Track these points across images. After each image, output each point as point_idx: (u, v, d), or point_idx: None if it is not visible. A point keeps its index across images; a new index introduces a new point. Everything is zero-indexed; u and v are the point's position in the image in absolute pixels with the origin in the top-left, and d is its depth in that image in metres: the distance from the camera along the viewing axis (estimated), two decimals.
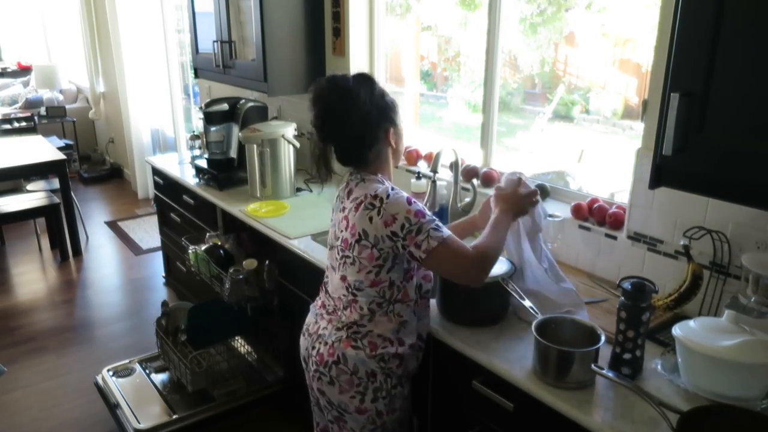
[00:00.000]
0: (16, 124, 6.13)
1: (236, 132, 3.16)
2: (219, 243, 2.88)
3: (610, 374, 1.40)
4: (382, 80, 3.12)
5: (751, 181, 1.23)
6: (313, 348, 1.73)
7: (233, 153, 3.21)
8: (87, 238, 5.08)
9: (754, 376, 1.32)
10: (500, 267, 1.77)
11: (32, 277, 4.44)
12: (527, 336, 1.67)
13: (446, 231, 1.57)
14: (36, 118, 6.35)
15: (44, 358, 3.37)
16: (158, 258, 4.41)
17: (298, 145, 2.97)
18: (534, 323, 1.53)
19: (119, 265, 4.65)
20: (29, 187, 5.19)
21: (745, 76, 1.19)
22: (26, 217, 4.74)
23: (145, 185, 5.94)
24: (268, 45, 2.95)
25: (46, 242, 4.94)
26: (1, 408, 2.96)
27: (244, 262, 2.67)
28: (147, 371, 2.84)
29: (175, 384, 2.73)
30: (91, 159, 7.09)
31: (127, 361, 2.92)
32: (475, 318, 1.75)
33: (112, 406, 2.64)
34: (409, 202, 1.57)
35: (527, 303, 1.68)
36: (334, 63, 3.10)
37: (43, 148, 4.90)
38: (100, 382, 2.80)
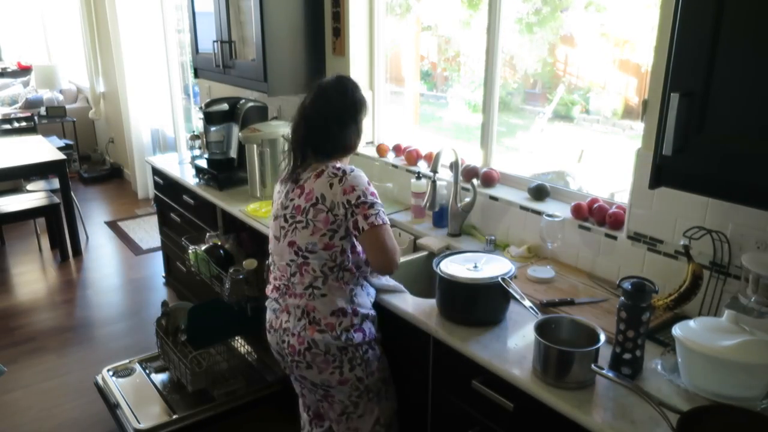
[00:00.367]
0: (16, 124, 6.13)
1: (236, 132, 3.16)
2: (219, 243, 2.88)
3: (610, 374, 1.40)
4: (383, 80, 3.13)
5: (751, 181, 1.23)
6: (283, 342, 1.84)
7: (233, 153, 3.21)
8: (87, 238, 5.08)
9: (754, 376, 1.32)
10: (500, 267, 1.78)
11: (32, 277, 4.44)
12: (527, 336, 1.67)
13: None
14: (36, 118, 6.36)
15: (44, 358, 3.37)
16: (158, 258, 4.41)
17: None
18: (534, 323, 1.53)
19: (119, 265, 4.65)
20: (29, 187, 5.19)
21: (745, 76, 1.19)
22: (26, 217, 4.74)
23: (145, 185, 5.94)
24: (268, 45, 2.95)
25: (46, 242, 4.94)
26: (1, 408, 2.96)
27: (244, 262, 2.67)
28: (147, 371, 2.84)
29: (175, 384, 2.73)
30: (91, 159, 7.09)
31: (127, 361, 2.92)
32: (475, 318, 1.75)
33: (112, 406, 2.64)
34: (368, 183, 1.75)
35: (527, 303, 1.68)
36: (334, 63, 3.10)
37: (43, 148, 4.90)
38: (100, 382, 2.80)
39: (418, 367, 1.88)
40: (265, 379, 2.78)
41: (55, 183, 4.89)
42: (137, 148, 5.96)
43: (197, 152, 3.59)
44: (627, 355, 1.47)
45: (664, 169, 1.36)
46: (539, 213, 2.17)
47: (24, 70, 8.00)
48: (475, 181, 2.45)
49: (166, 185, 3.63)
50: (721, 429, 1.24)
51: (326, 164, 1.78)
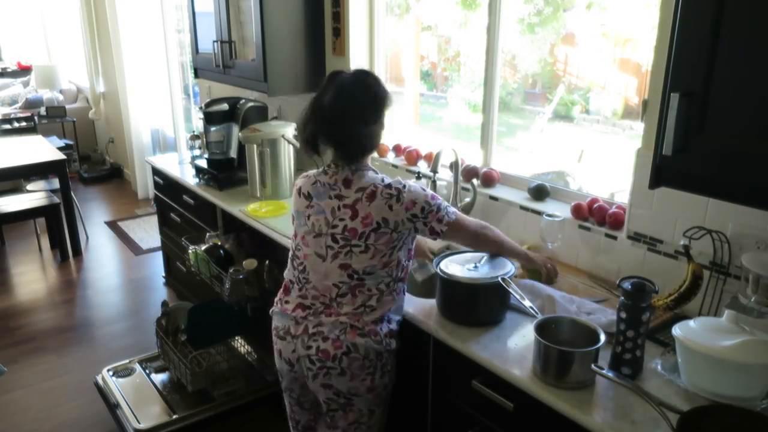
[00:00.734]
0: (16, 124, 6.13)
1: (236, 132, 3.16)
2: (219, 243, 2.88)
3: (610, 374, 1.40)
4: (383, 80, 3.12)
5: (751, 181, 1.23)
6: (309, 348, 1.72)
7: (233, 153, 3.21)
8: (87, 238, 5.08)
9: (753, 376, 1.32)
10: (500, 267, 1.78)
11: (32, 277, 4.44)
12: (527, 336, 1.67)
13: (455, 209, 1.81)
14: (36, 118, 6.36)
15: (44, 358, 3.37)
16: (158, 258, 4.41)
17: (298, 145, 2.96)
18: (534, 323, 1.53)
19: (119, 265, 4.65)
20: (29, 187, 5.19)
21: (745, 76, 1.19)
22: (26, 217, 4.74)
23: (145, 185, 5.94)
24: (268, 45, 2.95)
25: (46, 242, 4.94)
26: (1, 408, 2.96)
27: (244, 262, 2.67)
28: (147, 371, 2.84)
29: (175, 384, 2.73)
30: (91, 159, 7.09)
31: (127, 361, 2.92)
32: (475, 318, 1.75)
33: (112, 406, 2.64)
34: (423, 188, 1.75)
35: (527, 303, 1.68)
36: (334, 63, 3.10)
37: (43, 148, 4.90)
38: (100, 382, 2.80)
39: (418, 367, 1.88)
40: (265, 379, 2.78)
41: (55, 183, 4.89)
42: (137, 148, 5.96)
43: (197, 152, 3.59)
44: (627, 355, 1.47)
45: (664, 169, 1.36)
46: (539, 213, 2.17)
47: (24, 70, 8.00)
48: (475, 181, 2.45)
49: (166, 185, 3.63)
50: (721, 429, 1.24)
51: (364, 175, 1.73)
